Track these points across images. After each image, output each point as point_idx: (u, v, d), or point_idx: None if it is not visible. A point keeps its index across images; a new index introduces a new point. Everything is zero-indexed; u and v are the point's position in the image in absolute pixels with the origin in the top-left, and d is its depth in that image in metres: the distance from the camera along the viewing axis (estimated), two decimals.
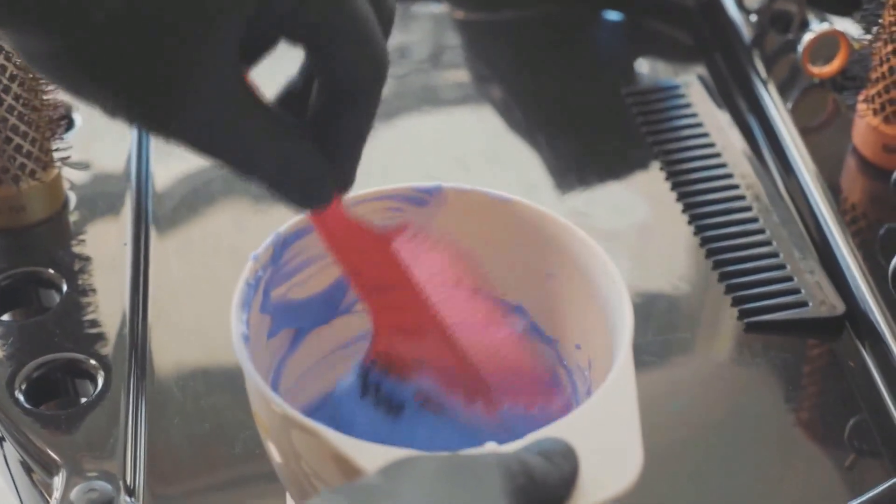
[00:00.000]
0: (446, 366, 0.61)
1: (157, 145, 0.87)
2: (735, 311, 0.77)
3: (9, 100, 0.76)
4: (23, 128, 0.77)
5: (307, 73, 0.54)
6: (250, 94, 0.51)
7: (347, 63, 0.52)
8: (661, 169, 0.86)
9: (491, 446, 0.53)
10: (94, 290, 0.76)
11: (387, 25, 0.53)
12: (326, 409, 0.66)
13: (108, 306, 0.75)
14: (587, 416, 0.55)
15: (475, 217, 0.65)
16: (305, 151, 0.52)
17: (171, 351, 0.74)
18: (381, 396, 0.61)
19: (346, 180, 0.55)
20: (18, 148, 0.77)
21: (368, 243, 0.59)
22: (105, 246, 0.79)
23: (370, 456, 0.52)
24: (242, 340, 0.58)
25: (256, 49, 0.51)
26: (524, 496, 0.48)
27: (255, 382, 0.56)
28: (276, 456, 0.58)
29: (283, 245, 0.63)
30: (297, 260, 0.64)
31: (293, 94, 0.55)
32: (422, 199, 0.65)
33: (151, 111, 0.48)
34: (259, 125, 0.51)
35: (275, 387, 0.64)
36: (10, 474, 0.71)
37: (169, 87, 0.48)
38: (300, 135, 0.53)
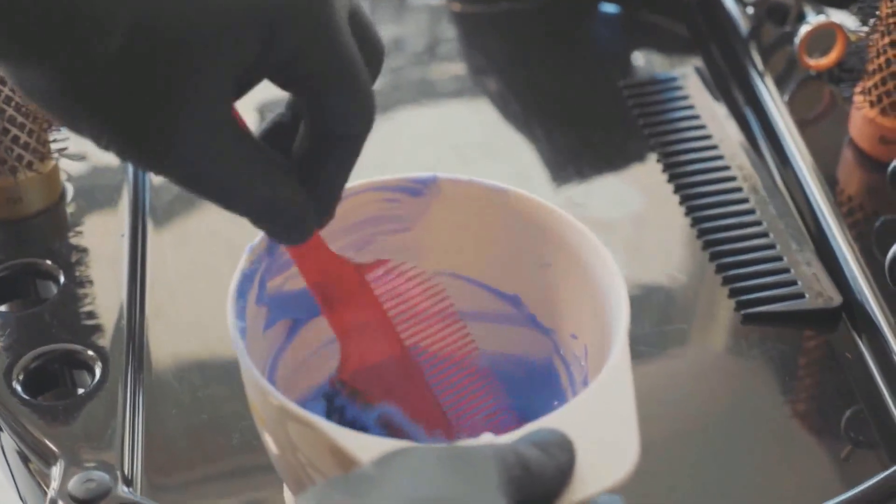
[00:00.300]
0: (410, 395, 0.63)
1: None
2: (732, 303, 0.77)
3: (6, 91, 0.76)
4: (20, 119, 0.77)
5: (294, 112, 0.56)
6: (240, 134, 0.52)
7: (338, 111, 0.54)
8: (658, 161, 0.86)
9: (487, 437, 0.53)
10: (91, 282, 0.76)
11: (375, 70, 0.55)
12: (322, 400, 0.66)
13: (106, 298, 0.75)
14: (584, 406, 0.55)
15: (470, 207, 0.65)
16: (290, 191, 0.54)
17: (168, 342, 0.74)
18: (345, 420, 0.63)
19: (326, 216, 0.57)
20: (16, 139, 0.77)
21: (344, 274, 0.61)
22: (102, 237, 0.79)
23: (365, 447, 0.52)
24: (239, 332, 0.59)
25: (245, 86, 0.52)
26: (520, 487, 0.48)
27: (252, 374, 0.57)
28: (273, 447, 0.58)
29: None
30: None
31: (279, 130, 0.56)
32: (417, 189, 0.65)
33: (143, 149, 0.50)
34: (247, 166, 0.52)
35: (271, 378, 0.64)
36: (8, 465, 0.71)
37: (162, 127, 0.49)
38: (285, 173, 0.54)
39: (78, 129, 0.50)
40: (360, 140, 0.55)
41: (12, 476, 0.71)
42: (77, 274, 0.76)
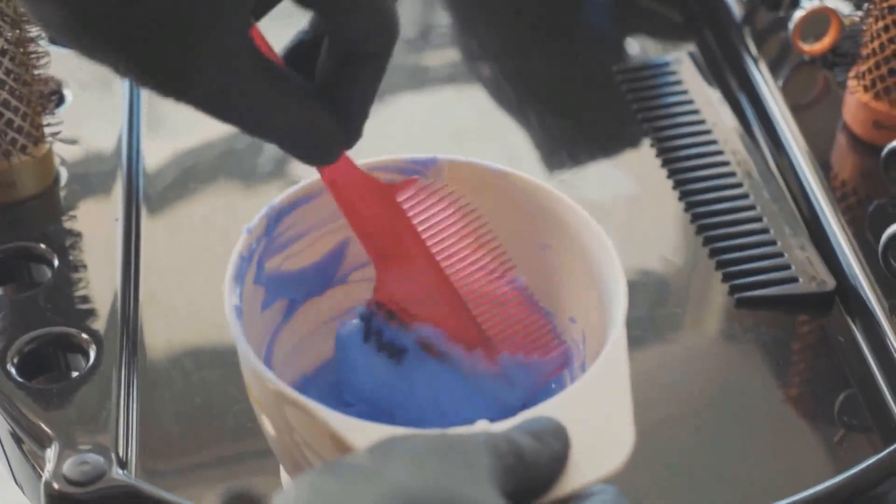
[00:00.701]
0: (447, 315, 0.62)
1: (148, 122, 0.87)
2: (725, 287, 0.77)
3: None
4: (13, 102, 0.77)
5: (316, 29, 0.55)
6: (260, 56, 0.51)
7: (361, 29, 0.53)
8: (652, 146, 0.86)
9: (482, 424, 0.53)
10: (85, 266, 0.76)
11: None
12: (323, 378, 0.66)
13: (100, 281, 0.75)
14: (579, 395, 0.55)
15: (470, 189, 0.65)
16: (314, 112, 0.54)
17: (162, 326, 0.74)
18: (383, 342, 0.63)
19: (354, 137, 0.56)
20: (9, 123, 0.77)
21: (375, 195, 0.60)
22: (96, 221, 0.79)
23: (360, 433, 0.52)
24: (235, 313, 0.59)
25: (264, 6, 0.52)
26: (513, 476, 0.48)
27: (248, 357, 0.57)
28: (270, 429, 0.58)
29: (276, 217, 0.63)
30: (291, 231, 0.64)
31: (302, 48, 0.56)
32: (417, 170, 0.65)
33: (162, 77, 0.49)
34: (269, 88, 0.52)
35: (269, 357, 0.64)
36: (2, 448, 0.71)
37: (182, 51, 0.48)
38: (309, 95, 0.54)
39: (95, 56, 0.49)
40: (384, 58, 0.55)
41: (7, 459, 0.71)
42: (71, 258, 0.76)
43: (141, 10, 0.47)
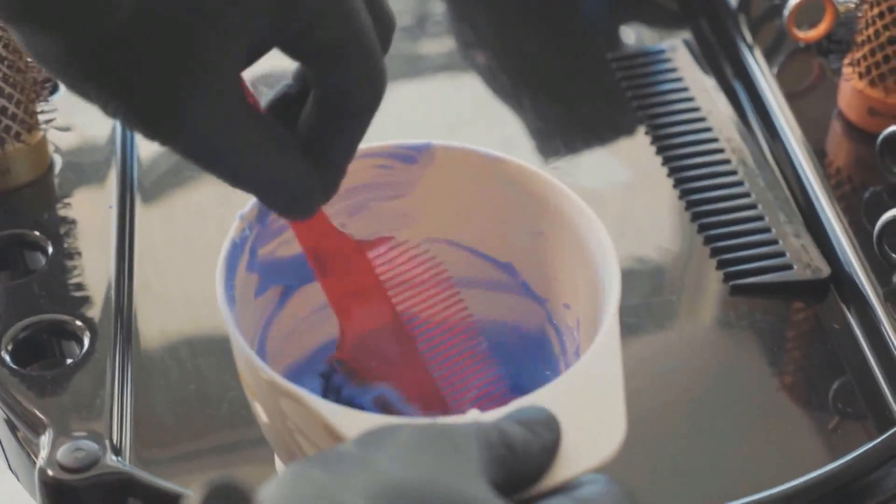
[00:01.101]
0: (408, 375, 0.63)
1: None
2: (720, 275, 0.77)
3: None
4: (7, 89, 0.77)
5: (302, 82, 0.55)
6: (248, 107, 0.52)
7: (350, 85, 0.53)
8: (647, 133, 0.86)
9: (473, 414, 0.53)
10: (79, 253, 0.76)
11: (386, 43, 0.55)
12: (317, 363, 0.66)
13: (94, 269, 0.75)
14: (571, 384, 0.54)
15: (464, 175, 0.65)
16: (296, 168, 0.54)
17: (156, 313, 0.74)
18: (341, 399, 0.62)
19: (331, 191, 0.56)
20: (3, 110, 0.77)
21: (345, 249, 0.61)
22: (90, 209, 0.79)
23: (352, 422, 0.52)
24: (227, 301, 0.58)
25: (254, 55, 0.52)
26: (503, 467, 0.48)
27: (241, 346, 0.57)
28: (262, 416, 0.58)
29: None
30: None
31: (286, 100, 0.56)
32: (410, 156, 0.65)
33: (149, 120, 0.50)
34: (254, 141, 0.52)
35: (263, 344, 0.64)
36: None
37: (169, 99, 0.49)
38: (292, 149, 0.54)
39: (85, 96, 0.49)
40: (369, 115, 0.54)
41: (2, 447, 0.71)
42: (65, 245, 0.76)
43: (134, 55, 0.48)
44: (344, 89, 0.53)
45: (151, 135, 0.50)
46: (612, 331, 0.56)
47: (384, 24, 0.54)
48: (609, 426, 0.52)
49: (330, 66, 0.52)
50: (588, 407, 0.53)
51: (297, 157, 0.54)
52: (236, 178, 0.53)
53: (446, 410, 0.63)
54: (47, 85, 0.80)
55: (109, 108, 0.49)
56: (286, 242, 0.65)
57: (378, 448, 0.46)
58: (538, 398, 0.53)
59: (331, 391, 0.63)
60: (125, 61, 0.48)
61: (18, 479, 0.71)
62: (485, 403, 0.63)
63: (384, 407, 0.63)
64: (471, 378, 0.64)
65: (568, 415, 0.52)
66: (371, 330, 0.62)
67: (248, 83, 0.53)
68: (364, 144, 0.63)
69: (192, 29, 0.48)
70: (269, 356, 0.65)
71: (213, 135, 0.50)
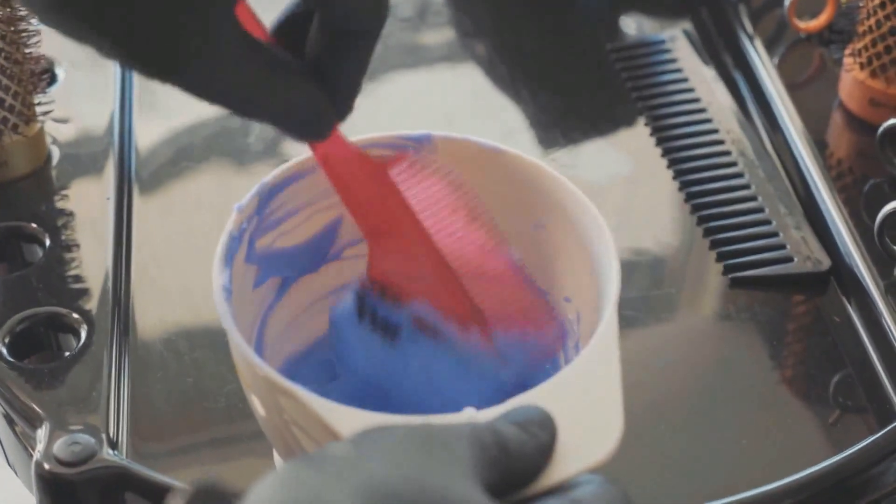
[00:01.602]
0: (441, 292, 0.62)
1: (140, 101, 0.86)
2: (720, 267, 0.76)
3: None
4: (4, 81, 0.76)
5: (307, 3, 0.55)
6: (247, 35, 0.51)
7: (351, 5, 0.53)
8: (646, 125, 0.86)
9: (469, 412, 0.52)
10: (76, 245, 0.76)
11: None
12: (316, 355, 0.66)
13: (91, 261, 0.75)
14: (567, 383, 0.54)
15: (464, 166, 0.64)
16: (304, 89, 0.54)
17: (153, 306, 0.74)
18: (377, 320, 0.62)
19: (345, 111, 0.56)
20: (0, 101, 0.77)
21: (367, 171, 0.60)
22: (88, 201, 0.79)
23: (348, 421, 0.52)
24: (224, 294, 0.58)
25: None
26: (497, 468, 0.47)
27: (237, 341, 0.56)
28: (259, 409, 0.58)
29: (268, 195, 0.63)
30: (283, 209, 0.64)
31: (292, 22, 0.55)
32: (411, 147, 0.64)
33: (148, 57, 0.49)
34: (258, 67, 0.51)
35: (261, 335, 0.64)
36: None
37: (167, 32, 0.48)
38: (298, 72, 0.53)
39: (80, 39, 0.48)
40: (374, 34, 0.54)
41: None
42: (62, 237, 0.76)
43: None
44: (345, 9, 0.53)
45: (151, 73, 0.49)
46: (611, 326, 0.56)
47: None
48: (606, 425, 0.52)
49: None
50: (585, 405, 0.53)
51: (303, 79, 0.53)
52: (245, 108, 0.53)
53: (484, 326, 0.62)
54: (45, 76, 0.79)
55: (104, 49, 0.48)
56: (285, 234, 0.65)
57: (370, 449, 0.45)
58: (534, 397, 0.53)
59: (366, 311, 0.62)
60: (118, 3, 0.47)
61: (17, 474, 0.71)
62: (523, 322, 0.62)
63: (421, 325, 0.62)
64: (506, 294, 0.63)
65: (564, 413, 0.52)
66: (400, 248, 0.61)
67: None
68: (364, 135, 0.63)
69: None
70: (267, 347, 0.64)
71: (214, 66, 0.50)
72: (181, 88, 0.50)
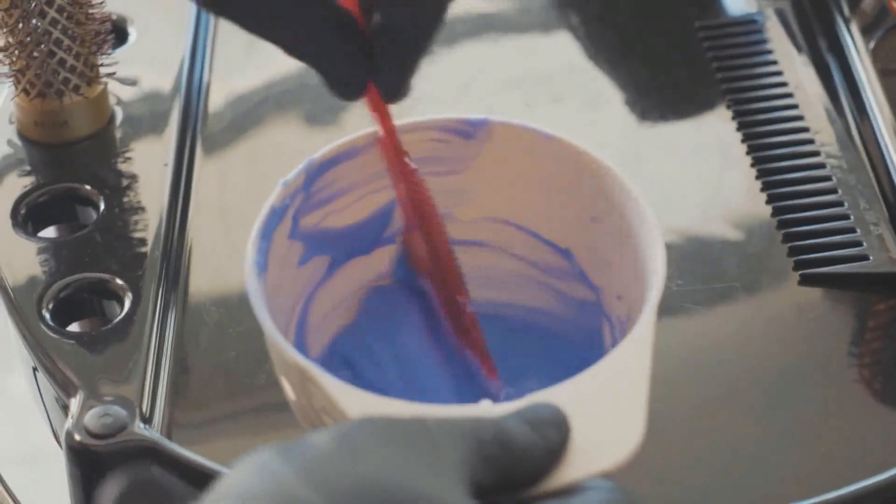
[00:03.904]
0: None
1: (211, 64, 0.85)
2: (790, 262, 0.73)
3: (52, 13, 0.74)
4: (66, 42, 0.75)
5: None
6: None
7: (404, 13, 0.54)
8: (728, 107, 0.82)
9: (485, 405, 0.51)
10: (131, 210, 0.75)
11: None
12: (362, 337, 0.65)
13: (144, 227, 0.74)
14: (593, 380, 0.52)
15: (522, 154, 0.63)
16: (341, 45, 0.56)
17: (203, 276, 0.72)
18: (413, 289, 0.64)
19: (394, 89, 0.58)
20: (62, 62, 0.76)
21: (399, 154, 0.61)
22: (147, 165, 0.78)
23: (364, 407, 0.51)
24: (255, 269, 0.58)
25: None
26: (495, 467, 0.46)
27: (262, 320, 0.55)
28: (289, 392, 0.57)
29: (317, 171, 0.62)
30: (333, 187, 0.63)
31: None
32: (468, 131, 0.63)
33: None
34: (308, 14, 0.54)
35: (305, 313, 0.63)
36: (42, 397, 0.70)
37: None
38: (347, 29, 0.55)
39: None
40: (428, 35, 0.56)
41: (45, 408, 0.71)
42: (118, 201, 0.75)
43: None
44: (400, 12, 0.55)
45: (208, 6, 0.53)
46: (647, 327, 0.54)
47: None
48: (625, 430, 0.50)
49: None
50: (607, 407, 0.51)
51: (350, 38, 0.56)
52: (288, 47, 0.55)
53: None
54: (110, 37, 0.78)
55: None
56: (335, 213, 0.64)
57: (350, 443, 0.44)
58: (555, 394, 0.51)
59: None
60: None
61: (58, 443, 0.70)
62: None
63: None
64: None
65: (584, 414, 0.50)
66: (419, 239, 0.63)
67: None
68: (420, 117, 0.61)
69: None
70: (312, 325, 0.63)
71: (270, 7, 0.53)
72: (229, 18, 0.53)
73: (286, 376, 0.57)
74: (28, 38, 0.75)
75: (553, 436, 0.48)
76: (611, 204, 0.61)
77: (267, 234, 0.59)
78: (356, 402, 0.52)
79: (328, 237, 0.64)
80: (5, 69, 0.76)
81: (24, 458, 1.18)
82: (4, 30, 0.75)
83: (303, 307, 0.63)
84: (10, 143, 0.79)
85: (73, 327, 0.71)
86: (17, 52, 0.75)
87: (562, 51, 0.88)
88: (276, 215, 0.60)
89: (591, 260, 0.63)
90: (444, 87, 0.82)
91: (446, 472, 0.44)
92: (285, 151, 0.81)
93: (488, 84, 0.85)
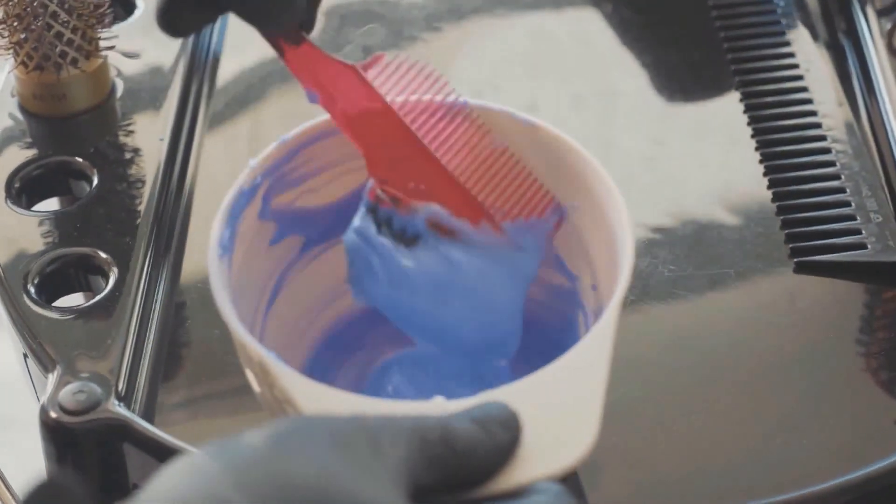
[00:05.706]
0: (444, 190, 0.61)
1: (216, 38, 0.84)
2: (786, 248, 0.71)
3: None
4: (63, 15, 0.75)
5: None
6: None
7: None
8: (736, 88, 0.81)
9: (439, 401, 0.50)
10: (125, 185, 0.74)
11: None
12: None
13: (136, 203, 0.73)
14: (549, 379, 0.51)
15: (502, 139, 0.62)
16: None
17: (192, 254, 0.72)
18: (394, 229, 0.61)
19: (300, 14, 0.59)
20: (59, 35, 0.76)
21: (344, 75, 0.60)
22: (144, 140, 0.77)
23: (310, 397, 0.51)
24: (218, 251, 0.57)
25: None
26: (439, 467, 0.45)
27: (220, 304, 0.55)
28: (254, 384, 0.57)
29: (291, 150, 0.61)
30: (307, 167, 0.62)
31: None
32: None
33: None
34: None
35: (276, 292, 0.63)
36: (28, 371, 0.70)
37: None
38: None
39: None
40: None
41: (32, 381, 0.71)
42: (112, 176, 0.75)
43: None
44: None
45: None
46: (607, 327, 0.53)
47: None
48: (579, 430, 0.49)
49: None
50: (561, 407, 0.50)
51: None
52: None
53: (493, 220, 0.61)
54: (109, 11, 0.78)
55: None
56: (310, 192, 0.63)
57: (286, 443, 0.43)
58: (508, 392, 0.50)
59: (382, 223, 0.61)
60: None
61: None
62: (524, 207, 0.61)
63: (437, 227, 0.61)
64: (501, 183, 0.62)
65: (536, 414, 0.49)
66: (393, 151, 0.61)
67: None
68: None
69: None
70: (281, 306, 0.63)
71: None
72: None
73: (248, 366, 0.56)
74: (25, 11, 0.75)
75: (502, 436, 0.47)
76: (588, 193, 0.60)
77: (234, 215, 0.59)
78: (309, 393, 0.51)
79: (302, 216, 0.63)
80: (4, 41, 0.76)
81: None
82: (2, 3, 0.75)
83: (274, 286, 0.63)
84: (11, 115, 0.79)
85: (63, 302, 0.71)
86: (15, 23, 0.75)
87: (573, 29, 0.87)
88: (244, 196, 0.60)
89: (567, 247, 0.62)
90: (454, 65, 0.81)
91: (383, 473, 0.43)
92: (289, 127, 0.80)
93: (496, 62, 0.84)
